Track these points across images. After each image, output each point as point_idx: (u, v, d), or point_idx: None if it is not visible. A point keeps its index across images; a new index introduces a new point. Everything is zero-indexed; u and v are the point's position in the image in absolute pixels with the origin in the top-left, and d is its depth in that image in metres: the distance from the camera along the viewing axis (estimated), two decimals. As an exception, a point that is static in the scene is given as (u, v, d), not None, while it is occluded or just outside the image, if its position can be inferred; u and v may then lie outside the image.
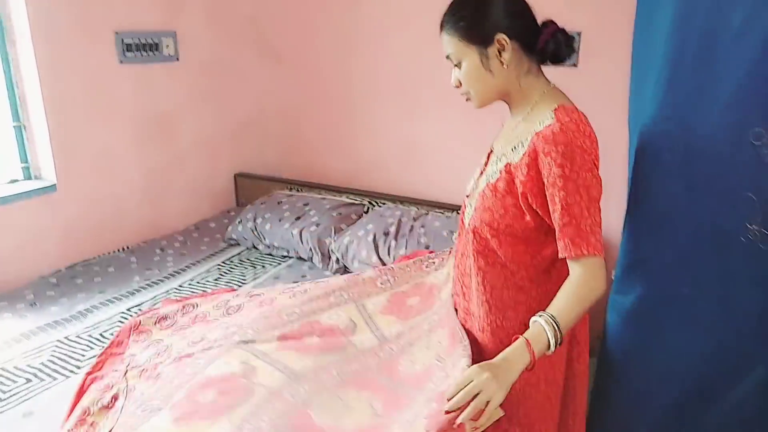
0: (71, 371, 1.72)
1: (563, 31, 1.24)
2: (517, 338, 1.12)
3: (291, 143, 3.15)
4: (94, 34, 2.35)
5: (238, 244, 2.69)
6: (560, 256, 1.15)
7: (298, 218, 2.56)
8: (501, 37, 1.19)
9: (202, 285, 2.28)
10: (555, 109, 1.17)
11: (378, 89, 2.77)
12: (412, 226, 2.36)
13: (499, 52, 1.20)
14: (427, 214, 2.49)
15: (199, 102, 2.88)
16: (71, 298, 2.16)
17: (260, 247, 2.62)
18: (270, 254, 2.59)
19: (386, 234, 2.34)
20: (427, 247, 2.22)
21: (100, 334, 1.92)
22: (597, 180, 1.14)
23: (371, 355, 1.48)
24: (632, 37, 1.58)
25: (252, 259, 2.55)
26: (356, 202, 2.73)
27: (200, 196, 3.01)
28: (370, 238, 2.33)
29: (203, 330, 1.66)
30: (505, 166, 1.21)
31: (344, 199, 2.76)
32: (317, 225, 2.49)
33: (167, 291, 2.23)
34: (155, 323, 1.75)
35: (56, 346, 1.85)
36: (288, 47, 2.97)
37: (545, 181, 1.13)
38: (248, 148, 3.22)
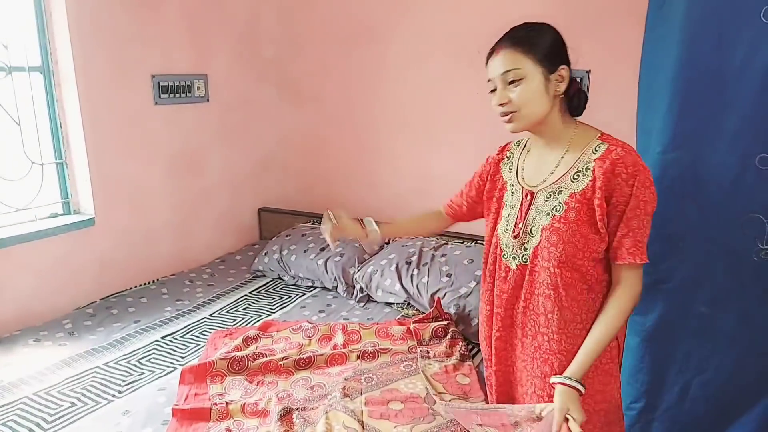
0: (113, 395, 1.79)
1: (584, 92, 1.36)
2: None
3: (311, 178, 3.27)
4: (133, 78, 2.52)
5: (264, 276, 2.79)
6: (614, 262, 1.27)
7: (322, 249, 2.66)
8: (564, 69, 1.29)
9: (232, 314, 2.37)
10: (600, 137, 1.29)
11: (394, 124, 2.90)
12: (433, 255, 2.45)
13: (557, 83, 1.29)
14: (446, 243, 2.58)
15: (226, 140, 3.03)
16: (108, 327, 2.24)
17: (286, 278, 2.71)
18: (295, 285, 2.68)
19: (408, 263, 2.42)
20: (449, 276, 2.31)
21: (138, 361, 2.00)
22: (654, 196, 1.25)
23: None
24: (638, 76, 1.71)
25: (278, 289, 2.64)
26: (377, 233, 2.82)
27: (226, 229, 3.13)
28: (393, 267, 2.42)
29: (284, 385, 1.82)
30: (570, 196, 1.27)
31: (365, 230, 2.86)
32: (341, 255, 2.59)
33: (199, 320, 2.31)
34: (228, 366, 1.87)
35: (96, 373, 1.93)
36: (307, 86, 3.13)
37: (613, 200, 1.23)
38: (271, 184, 3.35)
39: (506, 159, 1.50)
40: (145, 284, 2.66)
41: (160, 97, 2.63)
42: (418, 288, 2.31)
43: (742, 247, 1.54)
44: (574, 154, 1.30)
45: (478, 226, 2.71)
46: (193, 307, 2.44)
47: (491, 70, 1.31)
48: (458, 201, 1.65)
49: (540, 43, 1.29)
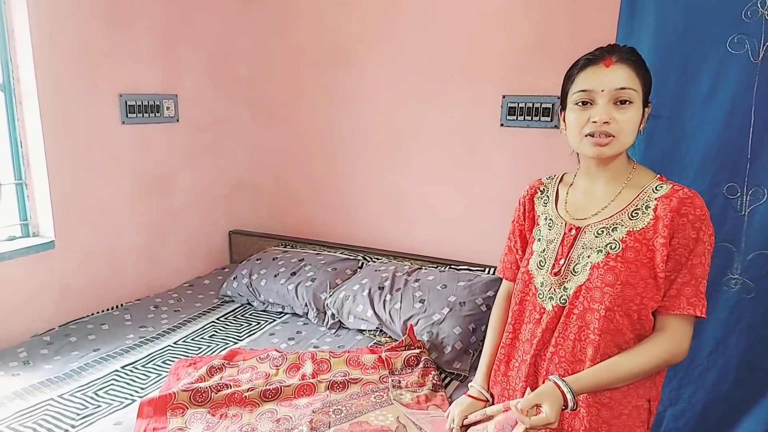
0: (65, 431, 1.70)
1: None
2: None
3: (284, 200, 3.22)
4: (99, 97, 2.45)
5: (233, 301, 2.71)
6: (667, 311, 1.15)
7: (293, 274, 2.60)
8: (650, 106, 1.21)
9: (197, 342, 2.28)
10: (659, 178, 1.21)
11: (367, 145, 2.88)
12: (406, 280, 2.41)
13: (644, 119, 1.20)
14: (420, 268, 2.55)
15: (196, 161, 2.97)
16: (65, 356, 2.14)
17: (255, 303, 2.64)
18: (265, 310, 2.61)
19: (381, 288, 2.38)
20: (422, 302, 2.26)
21: (95, 393, 1.90)
22: (713, 246, 1.16)
23: None
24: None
25: (247, 315, 2.56)
26: (350, 257, 2.78)
27: (195, 253, 3.05)
28: (366, 292, 2.37)
29: (249, 418, 1.74)
30: (628, 234, 1.16)
31: (339, 254, 2.81)
32: (312, 280, 2.53)
33: (163, 348, 2.22)
34: (189, 398, 1.78)
35: (50, 406, 1.82)
36: (280, 107, 3.10)
37: (674, 241, 1.12)
38: (242, 206, 3.29)
39: (539, 193, 1.39)
40: (107, 310, 2.56)
41: (127, 116, 2.57)
42: (390, 314, 2.26)
43: (712, 277, 1.53)
44: (631, 191, 1.20)
45: (451, 250, 2.71)
46: (157, 335, 2.34)
47: (600, 80, 1.15)
48: (511, 259, 1.46)
49: (647, 71, 1.19)
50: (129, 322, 2.45)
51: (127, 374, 2.03)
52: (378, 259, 2.77)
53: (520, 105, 2.46)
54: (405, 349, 2.09)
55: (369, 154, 2.89)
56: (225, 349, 2.22)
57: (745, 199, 1.47)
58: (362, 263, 2.74)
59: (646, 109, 1.20)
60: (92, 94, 2.43)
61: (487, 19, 2.48)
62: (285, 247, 3.00)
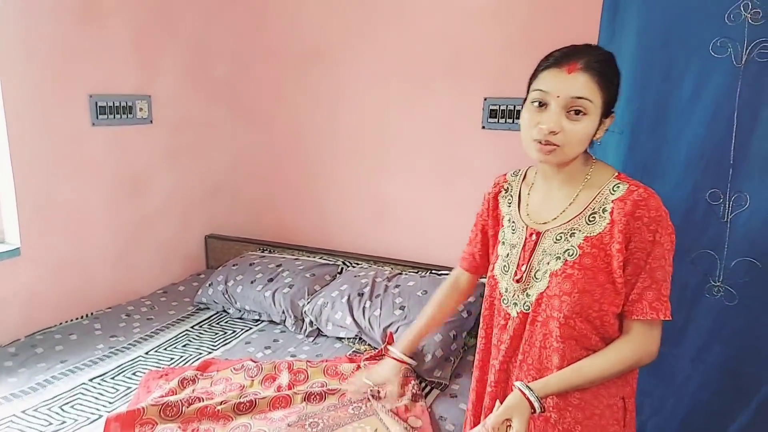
0: (27, 448, 1.62)
1: None
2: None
3: (263, 204, 3.15)
4: (68, 97, 2.36)
5: (208, 308, 2.63)
6: (631, 316, 1.13)
7: (270, 280, 2.53)
8: (613, 116, 1.17)
9: (170, 352, 2.20)
10: (617, 176, 1.16)
11: (348, 148, 2.83)
12: (386, 286, 2.36)
13: (603, 128, 1.15)
14: (401, 273, 2.50)
15: (171, 163, 2.89)
16: (30, 368, 2.05)
17: (231, 310, 2.57)
18: (241, 318, 2.54)
19: (360, 295, 2.32)
20: (402, 308, 2.21)
21: (60, 407, 1.82)
22: (674, 245, 1.13)
23: None
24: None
25: (222, 323, 2.49)
26: (330, 262, 2.72)
27: (170, 258, 2.96)
28: (345, 299, 2.31)
29: None
30: (585, 240, 1.13)
31: (318, 260, 2.75)
32: (290, 287, 2.47)
33: (133, 359, 2.14)
34: (159, 413, 1.71)
35: (12, 422, 1.74)
36: (260, 109, 3.03)
37: (631, 245, 1.09)
38: (220, 209, 3.21)
39: (504, 191, 1.35)
40: (77, 319, 2.47)
41: (98, 117, 2.48)
42: (370, 321, 2.21)
43: (694, 283, 1.51)
44: (589, 193, 1.16)
45: (432, 254, 2.66)
46: (128, 344, 2.26)
47: (557, 85, 1.10)
48: (469, 250, 1.46)
49: (613, 83, 1.13)
50: (99, 331, 2.37)
51: (95, 387, 1.95)
52: (358, 264, 2.71)
53: (502, 107, 2.43)
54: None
55: (349, 156, 2.84)
56: (198, 359, 2.15)
57: (727, 205, 1.44)
58: (342, 268, 2.68)
59: (607, 120, 1.16)
60: (61, 94, 2.34)
61: (468, 21, 2.44)
62: (263, 252, 2.93)
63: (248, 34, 2.97)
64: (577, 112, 1.10)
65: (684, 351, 1.54)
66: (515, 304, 1.22)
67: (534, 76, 1.17)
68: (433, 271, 2.53)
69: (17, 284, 2.28)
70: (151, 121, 2.74)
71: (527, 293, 1.20)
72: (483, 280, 1.38)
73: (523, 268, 1.21)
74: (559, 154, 1.12)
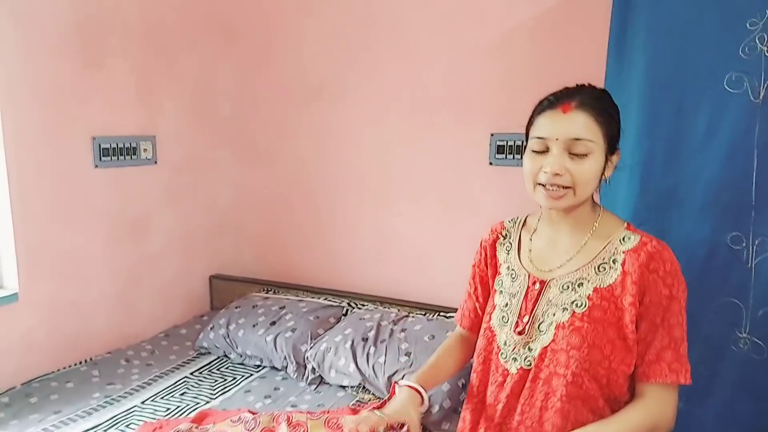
0: None
1: None
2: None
3: (268, 242, 3.09)
4: (70, 139, 2.35)
5: (209, 353, 2.55)
6: (648, 379, 1.03)
7: (273, 323, 2.45)
8: (619, 153, 1.11)
9: (167, 401, 2.12)
10: (626, 227, 1.10)
11: (355, 187, 2.77)
12: (392, 330, 2.26)
13: (610, 167, 1.10)
14: (407, 315, 2.40)
15: (175, 203, 2.85)
16: (23, 420, 1.98)
17: (232, 356, 2.48)
18: (242, 363, 2.45)
19: (365, 340, 2.22)
20: (407, 354, 2.11)
21: (48, 463, 1.74)
22: (686, 301, 1.06)
23: None
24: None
25: (223, 369, 2.40)
26: (335, 303, 2.63)
27: (173, 300, 2.90)
28: (348, 344, 2.21)
29: None
30: (594, 291, 1.06)
31: (322, 301, 2.67)
32: (293, 330, 2.38)
33: (129, 409, 2.06)
34: None
35: (-3, 480, 1.66)
36: (265, 147, 3.00)
37: (646, 299, 1.02)
38: (225, 249, 3.16)
39: (502, 238, 1.27)
40: (75, 365, 2.40)
41: (101, 159, 2.46)
42: (374, 369, 2.11)
43: (718, 335, 1.39)
44: (598, 242, 1.09)
45: (439, 294, 2.56)
46: (125, 393, 2.18)
47: (554, 128, 1.05)
48: (469, 306, 1.36)
49: (613, 117, 1.08)
50: (97, 378, 2.29)
51: (88, 442, 1.86)
52: (364, 305, 2.62)
53: (509, 143, 2.36)
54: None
55: (355, 194, 2.78)
56: (196, 409, 2.05)
57: (751, 249, 1.33)
58: (347, 310, 2.59)
59: (613, 156, 1.10)
60: (63, 136, 2.33)
61: (473, 56, 2.40)
62: (267, 292, 2.85)
63: (251, 73, 2.96)
64: (579, 154, 1.04)
65: (709, 409, 1.41)
66: (515, 359, 1.13)
67: (530, 123, 1.13)
68: (441, 314, 2.42)
69: (14, 330, 2.23)
70: (156, 162, 2.71)
71: (529, 347, 1.10)
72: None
73: (525, 319, 1.12)
74: (569, 197, 1.06)
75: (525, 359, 1.11)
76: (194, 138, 2.92)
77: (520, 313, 1.13)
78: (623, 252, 1.06)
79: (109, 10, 2.44)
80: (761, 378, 1.36)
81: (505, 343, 1.15)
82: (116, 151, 2.52)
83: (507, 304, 1.17)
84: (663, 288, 1.02)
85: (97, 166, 2.46)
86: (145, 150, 2.66)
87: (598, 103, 1.07)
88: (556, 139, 1.05)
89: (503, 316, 1.17)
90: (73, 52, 2.33)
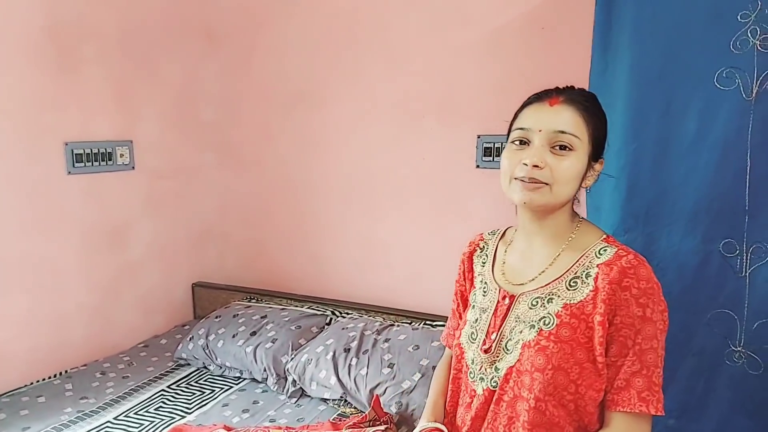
0: None
1: None
2: None
3: (253, 249, 3.01)
4: (41, 146, 2.27)
5: (189, 364, 2.46)
6: (615, 407, 0.95)
7: (253, 333, 2.36)
8: (602, 162, 1.05)
9: (141, 417, 2.03)
10: (605, 239, 1.02)
11: (340, 192, 2.69)
12: (375, 340, 2.17)
13: (592, 174, 1.04)
14: (392, 325, 2.31)
15: (156, 209, 2.77)
16: (-12, 438, 1.90)
17: (212, 367, 2.39)
18: (222, 375, 2.36)
19: (347, 350, 2.14)
20: (390, 366, 2.02)
21: (10, 486, 1.65)
22: (667, 325, 0.97)
23: None
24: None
25: (201, 382, 2.31)
26: (318, 312, 2.55)
27: (154, 309, 2.82)
28: (330, 355, 2.13)
29: None
30: (564, 307, 0.98)
31: (306, 309, 2.58)
32: (273, 341, 2.29)
33: (100, 426, 1.97)
34: None
35: (-46, 504, 1.58)
36: (248, 152, 2.92)
37: (616, 320, 0.93)
38: (208, 257, 3.08)
39: (479, 250, 1.20)
40: (48, 378, 2.31)
41: (74, 166, 2.38)
42: (356, 381, 2.02)
43: (712, 348, 1.31)
44: (572, 255, 1.02)
45: (426, 301, 2.48)
46: (98, 407, 2.10)
47: (539, 118, 1.00)
48: (453, 324, 1.29)
49: (600, 121, 1.02)
50: (70, 392, 2.21)
51: (53, 461, 1.78)
52: (348, 313, 2.53)
53: (496, 145, 2.28)
54: (369, 425, 1.84)
55: (340, 199, 2.69)
56: (170, 425, 1.97)
57: (745, 258, 1.25)
58: (330, 319, 2.50)
59: (596, 165, 1.03)
60: (33, 143, 2.24)
61: (459, 58, 2.32)
62: (250, 301, 2.77)
63: (234, 78, 2.88)
64: (563, 147, 0.97)
65: (703, 426, 1.32)
66: (482, 378, 1.05)
67: (514, 118, 1.07)
68: (427, 322, 2.34)
69: (-18, 344, 2.15)
70: (133, 167, 2.63)
71: (496, 366, 1.02)
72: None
73: (493, 337, 1.04)
74: (546, 193, 0.98)
75: (491, 379, 1.03)
76: (175, 143, 2.83)
77: (488, 330, 1.06)
78: (597, 266, 0.97)
79: (83, 16, 2.35)
80: (757, 394, 1.27)
81: (472, 362, 1.07)
82: (90, 157, 2.44)
83: (477, 320, 1.10)
84: (636, 308, 0.93)
85: (70, 173, 2.37)
86: (121, 155, 2.57)
87: (586, 100, 1.02)
88: (539, 131, 0.98)
89: (472, 333, 1.09)
90: (46, 58, 2.24)
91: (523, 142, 1.02)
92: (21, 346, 2.26)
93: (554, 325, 0.97)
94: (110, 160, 2.52)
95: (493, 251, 1.17)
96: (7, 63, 2.13)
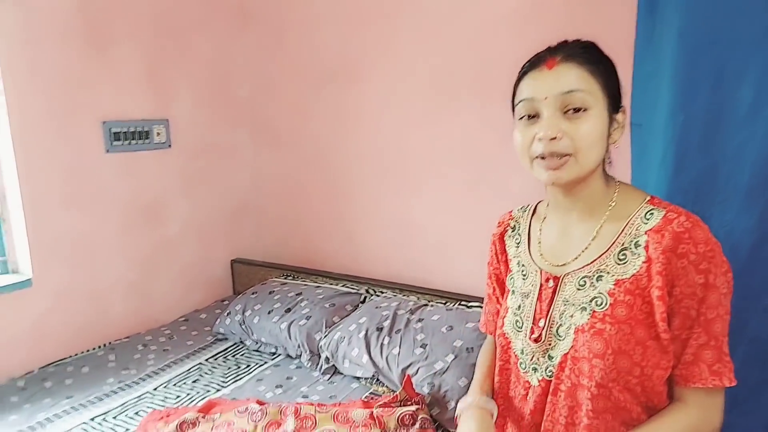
0: (10, 501, 1.52)
1: None
2: None
3: (289, 226, 3.02)
4: (80, 125, 2.31)
5: (226, 339, 2.51)
6: (686, 383, 0.89)
7: (288, 310, 2.38)
8: (624, 111, 0.95)
9: (178, 388, 2.08)
10: (649, 200, 0.92)
11: (374, 169, 2.65)
12: (408, 320, 2.14)
13: (617, 127, 0.94)
14: (426, 304, 2.28)
15: (192, 187, 2.80)
16: (36, 404, 1.98)
17: (248, 342, 2.43)
18: (258, 350, 2.39)
19: (380, 329, 2.12)
20: (423, 347, 1.99)
21: (55, 451, 1.72)
22: (731, 286, 0.88)
23: None
24: (629, 119, 1.41)
25: (238, 356, 2.35)
26: (353, 290, 2.54)
27: (193, 284, 2.87)
28: (362, 334, 2.11)
29: None
30: (616, 284, 0.89)
31: (341, 287, 2.57)
32: (308, 318, 2.30)
33: (140, 396, 2.03)
34: None
35: (4, 467, 1.66)
36: (283, 129, 2.91)
37: (676, 291, 0.86)
38: (245, 233, 3.11)
39: (510, 230, 1.12)
40: (92, 350, 2.40)
41: (112, 144, 2.42)
42: (387, 361, 2.00)
43: (767, 337, 1.21)
44: (615, 225, 0.93)
45: (461, 281, 2.43)
46: (139, 378, 2.16)
47: (541, 86, 0.91)
48: (491, 309, 1.20)
49: (607, 68, 0.92)
50: (113, 363, 2.29)
51: (94, 428, 1.84)
52: (383, 292, 2.51)
53: (536, 120, 2.18)
54: (400, 405, 1.82)
55: (374, 176, 2.65)
56: (205, 397, 2.01)
57: (806, 239, 1.14)
58: (365, 297, 2.49)
59: (618, 116, 0.93)
60: (72, 122, 2.29)
61: (495, 30, 2.21)
62: (286, 278, 2.78)
63: (267, 54, 2.86)
64: (577, 110, 0.88)
65: (755, 420, 1.24)
66: (535, 369, 0.98)
67: (514, 92, 0.99)
68: (462, 303, 2.29)
69: (30, 315, 2.24)
70: (170, 145, 2.66)
71: (549, 355, 0.95)
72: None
73: (541, 323, 0.97)
74: (572, 166, 0.90)
75: (546, 369, 0.96)
76: (210, 121, 2.85)
77: (534, 317, 0.99)
78: (646, 233, 0.88)
79: (116, -6, 2.37)
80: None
81: (522, 352, 1.00)
82: (128, 136, 2.47)
83: (520, 306, 1.02)
84: (696, 275, 0.84)
85: (108, 151, 2.42)
86: (158, 134, 2.60)
87: (586, 53, 0.92)
88: (545, 98, 0.89)
89: (517, 321, 1.02)
90: (79, 37, 2.27)
91: (532, 116, 0.93)
92: (62, 318, 2.35)
93: (608, 305, 0.89)
94: (147, 138, 2.56)
95: (527, 230, 1.08)
96: (41, 41, 2.16)
